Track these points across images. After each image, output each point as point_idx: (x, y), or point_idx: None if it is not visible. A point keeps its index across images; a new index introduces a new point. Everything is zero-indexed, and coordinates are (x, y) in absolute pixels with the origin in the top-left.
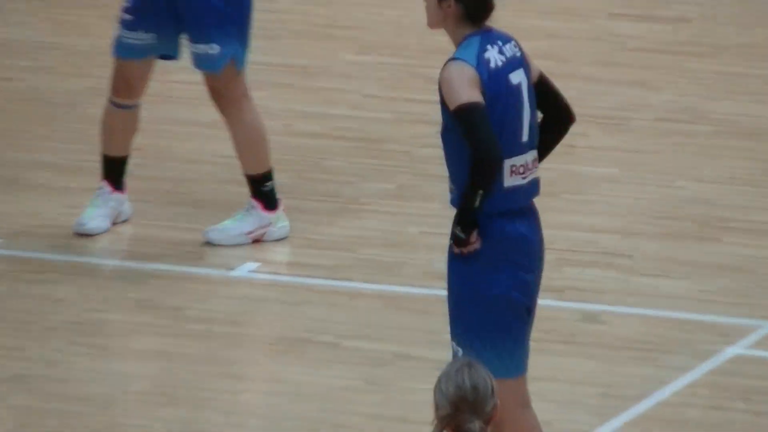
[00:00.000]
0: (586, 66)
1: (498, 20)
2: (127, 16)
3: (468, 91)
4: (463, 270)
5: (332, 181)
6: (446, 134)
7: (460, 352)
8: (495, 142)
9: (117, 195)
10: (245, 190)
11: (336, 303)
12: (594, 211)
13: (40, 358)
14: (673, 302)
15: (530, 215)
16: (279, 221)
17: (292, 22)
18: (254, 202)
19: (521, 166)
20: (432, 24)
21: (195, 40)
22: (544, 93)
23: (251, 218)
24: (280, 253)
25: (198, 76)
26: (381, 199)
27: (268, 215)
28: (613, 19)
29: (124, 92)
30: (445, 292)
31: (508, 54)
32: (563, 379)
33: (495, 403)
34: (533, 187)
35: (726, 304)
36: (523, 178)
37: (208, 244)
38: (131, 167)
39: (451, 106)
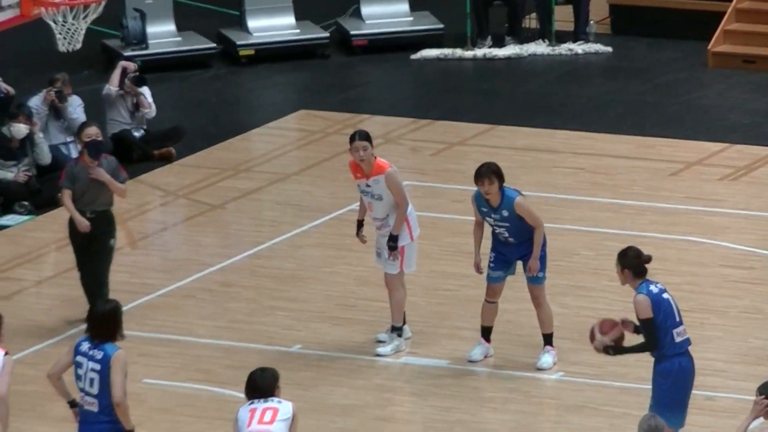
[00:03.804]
0: None
1: None
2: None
3: (649, 312)
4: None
5: None
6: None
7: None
8: (656, 342)
9: None
10: None
11: None
12: None
13: None
14: None
15: (689, 354)
16: None
17: None
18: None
19: (681, 332)
20: (624, 282)
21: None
22: None
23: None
24: None
25: None
26: None
27: None
28: None
29: None
30: None
31: (660, 285)
32: None
33: None
34: (686, 340)
35: None
36: (681, 337)
37: None
38: None
39: (641, 316)
